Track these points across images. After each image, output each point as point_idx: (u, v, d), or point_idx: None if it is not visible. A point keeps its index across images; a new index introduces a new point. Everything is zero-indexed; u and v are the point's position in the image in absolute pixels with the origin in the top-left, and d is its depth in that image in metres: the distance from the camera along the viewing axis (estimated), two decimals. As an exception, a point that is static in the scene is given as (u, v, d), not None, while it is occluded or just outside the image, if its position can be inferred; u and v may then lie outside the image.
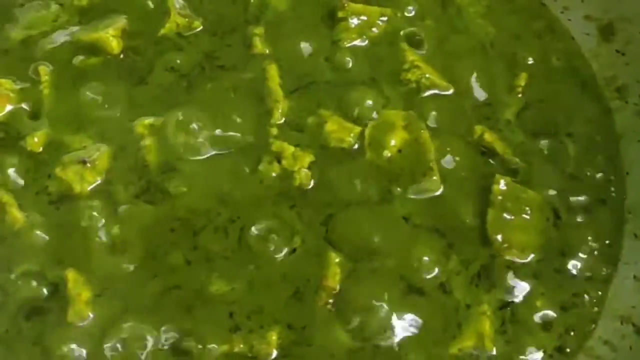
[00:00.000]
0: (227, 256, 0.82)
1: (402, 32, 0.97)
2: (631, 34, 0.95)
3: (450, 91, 0.93)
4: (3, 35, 0.97)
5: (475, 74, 0.95)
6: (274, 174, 0.86)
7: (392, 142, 0.87)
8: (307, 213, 0.84)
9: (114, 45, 0.94)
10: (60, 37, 0.96)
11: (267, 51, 0.95)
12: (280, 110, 0.89)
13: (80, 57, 0.95)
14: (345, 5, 0.96)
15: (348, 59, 0.94)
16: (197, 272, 0.81)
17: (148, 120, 0.89)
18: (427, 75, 0.93)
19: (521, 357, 0.80)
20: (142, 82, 0.93)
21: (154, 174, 0.86)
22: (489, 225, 0.84)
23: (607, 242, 0.86)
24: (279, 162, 0.86)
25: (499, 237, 0.83)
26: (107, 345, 0.78)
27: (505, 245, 0.83)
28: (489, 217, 0.84)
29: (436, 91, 0.92)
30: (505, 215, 0.84)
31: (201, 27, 0.97)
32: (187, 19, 0.97)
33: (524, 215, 0.84)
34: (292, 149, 0.86)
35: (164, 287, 0.81)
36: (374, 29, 0.96)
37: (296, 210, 0.85)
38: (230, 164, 0.87)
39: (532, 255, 0.83)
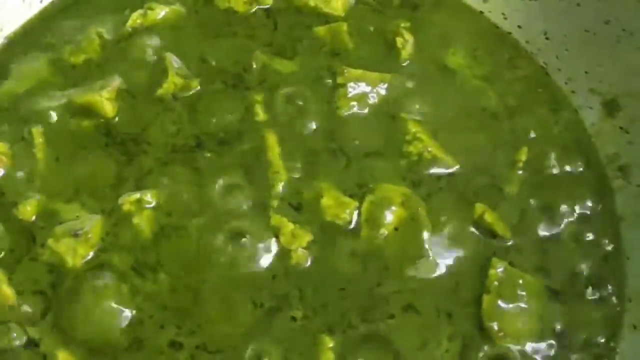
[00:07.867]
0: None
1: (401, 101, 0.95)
2: (636, 111, 0.92)
3: (454, 168, 0.91)
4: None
5: (474, 146, 0.93)
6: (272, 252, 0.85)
7: (389, 219, 0.86)
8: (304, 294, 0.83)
9: (108, 109, 0.92)
10: (54, 97, 0.95)
11: (267, 118, 0.93)
12: (281, 183, 0.88)
13: (73, 120, 0.93)
14: (345, 71, 0.94)
15: (347, 128, 0.93)
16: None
17: (134, 196, 0.86)
18: (429, 149, 0.91)
19: None
20: (135, 152, 0.91)
21: (146, 247, 0.85)
22: (484, 312, 0.82)
23: (603, 333, 0.84)
24: (277, 237, 0.85)
25: (495, 324, 0.81)
26: None
27: (501, 334, 0.81)
28: (484, 303, 0.82)
29: (437, 168, 0.91)
30: (500, 302, 0.82)
31: (199, 88, 0.96)
32: (184, 80, 0.96)
33: (521, 304, 0.83)
34: (291, 226, 0.85)
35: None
36: (372, 96, 0.95)
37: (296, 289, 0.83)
38: (224, 237, 0.85)
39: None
